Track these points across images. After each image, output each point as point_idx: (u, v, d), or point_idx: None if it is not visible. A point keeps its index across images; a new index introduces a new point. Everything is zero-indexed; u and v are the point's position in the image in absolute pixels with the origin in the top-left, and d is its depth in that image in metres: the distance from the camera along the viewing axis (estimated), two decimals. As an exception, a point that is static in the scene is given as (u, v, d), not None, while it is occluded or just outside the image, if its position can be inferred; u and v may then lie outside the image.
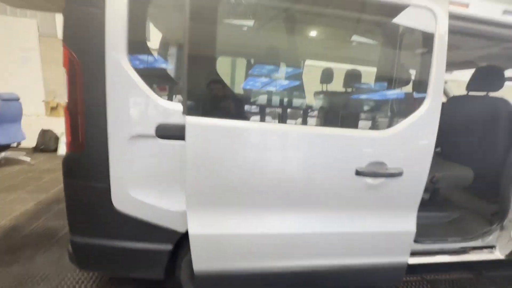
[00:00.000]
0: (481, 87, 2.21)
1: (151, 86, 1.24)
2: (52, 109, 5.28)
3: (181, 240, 1.42)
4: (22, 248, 2.11)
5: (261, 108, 1.76)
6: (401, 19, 1.38)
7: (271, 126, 1.31)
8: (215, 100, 1.33)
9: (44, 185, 3.41)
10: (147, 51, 1.37)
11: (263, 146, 1.27)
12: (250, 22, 1.52)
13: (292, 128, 1.34)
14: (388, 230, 1.49)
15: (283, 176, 1.30)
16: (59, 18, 5.17)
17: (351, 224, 1.44)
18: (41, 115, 5.24)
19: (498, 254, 2.01)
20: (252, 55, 1.97)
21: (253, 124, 1.29)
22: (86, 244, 1.39)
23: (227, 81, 1.45)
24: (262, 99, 1.92)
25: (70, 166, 1.30)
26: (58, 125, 5.00)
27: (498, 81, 2.06)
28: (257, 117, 1.70)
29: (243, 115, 1.45)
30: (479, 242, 1.98)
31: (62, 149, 4.85)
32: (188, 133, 1.17)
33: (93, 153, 1.27)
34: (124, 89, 1.21)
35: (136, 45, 1.24)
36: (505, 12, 1.43)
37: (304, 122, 1.76)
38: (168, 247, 1.42)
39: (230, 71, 1.96)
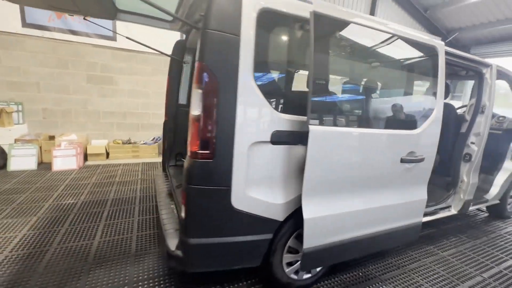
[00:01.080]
0: None
1: (269, 101, 1.48)
2: (-11, 117, 4.30)
3: (278, 229, 1.69)
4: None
5: (351, 117, 2.20)
6: (425, 56, 2.00)
7: (359, 130, 1.75)
8: (328, 112, 1.65)
9: (21, 207, 2.91)
10: (268, 71, 1.58)
11: (355, 145, 1.68)
12: (348, 55, 1.96)
13: (369, 131, 1.79)
14: (414, 199, 2.10)
15: (364, 166, 1.73)
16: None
17: (394, 198, 1.98)
18: (-28, 124, 4.21)
19: (453, 211, 2.93)
20: (346, 80, 2.40)
21: (349, 129, 1.69)
22: (202, 245, 1.51)
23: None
24: (353, 111, 2.40)
25: (197, 173, 1.41)
26: (2, 136, 4.14)
27: (447, 92, 2.98)
28: (353, 124, 2.10)
29: (343, 123, 1.84)
30: (443, 204, 2.85)
31: (16, 164, 4.06)
32: (310, 138, 1.47)
33: (220, 160, 1.42)
34: (250, 103, 1.42)
35: (260, 66, 1.46)
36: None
37: (376, 127, 2.24)
38: (270, 236, 1.66)
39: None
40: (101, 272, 1.99)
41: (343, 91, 2.35)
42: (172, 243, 1.61)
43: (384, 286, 2.06)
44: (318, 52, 1.46)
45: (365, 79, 2.36)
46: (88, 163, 4.70)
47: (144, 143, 5.37)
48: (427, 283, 2.14)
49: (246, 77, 1.38)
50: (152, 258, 2.19)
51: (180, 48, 2.89)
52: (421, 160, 1.98)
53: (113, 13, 2.46)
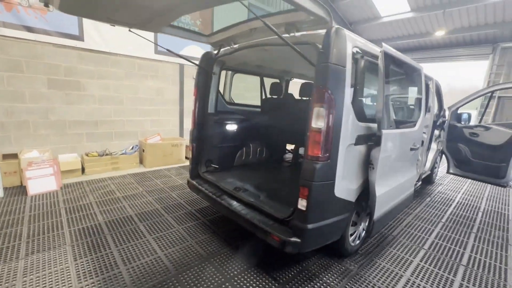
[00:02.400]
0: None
1: (355, 112, 2.00)
2: None
3: (352, 208, 2.25)
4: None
5: (395, 122, 2.82)
6: (418, 77, 2.88)
7: (399, 131, 2.50)
8: (386, 119, 2.25)
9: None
10: (359, 94, 2.09)
11: (398, 141, 2.40)
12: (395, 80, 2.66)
13: (402, 131, 2.54)
14: (411, 175, 3.00)
15: (398, 155, 2.47)
16: None
17: (405, 175, 2.82)
18: None
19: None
20: (393, 96, 3.02)
21: (396, 131, 2.43)
22: (315, 228, 1.92)
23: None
24: (395, 117, 3.06)
25: (319, 172, 1.81)
26: None
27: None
28: (396, 127, 2.70)
29: (394, 127, 2.48)
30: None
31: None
32: (383, 138, 2.07)
33: (332, 160, 1.86)
34: (347, 116, 1.91)
35: (354, 89, 1.97)
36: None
37: (402, 128, 2.94)
38: (348, 214, 2.21)
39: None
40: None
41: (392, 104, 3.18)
42: (285, 233, 1.96)
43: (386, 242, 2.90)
44: (385, 78, 2.07)
45: (398, 94, 3.15)
46: (64, 181, 4.08)
47: (123, 153, 4.95)
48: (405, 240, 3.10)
49: (347, 96, 1.87)
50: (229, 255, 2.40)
51: (208, 60, 3.02)
52: (417, 148, 2.88)
53: (163, 27, 2.48)
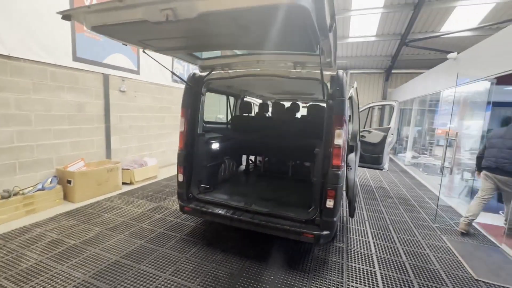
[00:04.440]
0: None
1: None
2: None
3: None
4: None
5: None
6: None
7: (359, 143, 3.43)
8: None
9: None
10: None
11: (358, 150, 3.34)
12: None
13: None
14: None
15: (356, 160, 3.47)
16: None
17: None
18: None
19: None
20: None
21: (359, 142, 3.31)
22: (336, 220, 2.53)
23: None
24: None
25: (341, 177, 2.41)
26: None
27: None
28: None
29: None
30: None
31: None
32: (356, 148, 2.92)
33: (344, 167, 2.54)
34: (347, 135, 2.65)
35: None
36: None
37: None
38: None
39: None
40: None
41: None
42: (315, 229, 2.46)
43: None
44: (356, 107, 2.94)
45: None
46: (-44, 245, 2.73)
47: (40, 189, 3.74)
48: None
49: (347, 119, 2.60)
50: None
51: (198, 81, 3.02)
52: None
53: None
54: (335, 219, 2.47)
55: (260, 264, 2.67)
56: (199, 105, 3.08)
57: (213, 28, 1.63)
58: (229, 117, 4.61)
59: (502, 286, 2.52)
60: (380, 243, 3.25)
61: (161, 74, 6.34)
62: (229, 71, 2.94)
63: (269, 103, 5.48)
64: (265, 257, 2.80)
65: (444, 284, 2.50)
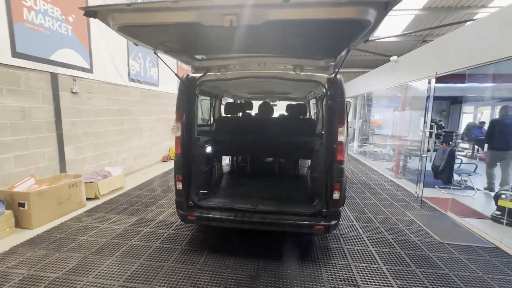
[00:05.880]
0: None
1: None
2: None
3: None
4: None
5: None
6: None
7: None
8: None
9: None
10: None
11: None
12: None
13: None
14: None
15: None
16: None
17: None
18: None
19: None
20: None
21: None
22: (341, 210, 2.78)
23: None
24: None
25: (343, 171, 2.65)
26: None
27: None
28: None
29: None
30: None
31: None
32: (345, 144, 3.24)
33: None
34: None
35: None
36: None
37: None
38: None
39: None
40: None
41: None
42: (324, 220, 2.66)
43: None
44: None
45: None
46: None
47: (-16, 219, 2.98)
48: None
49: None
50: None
51: (192, 83, 2.86)
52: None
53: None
54: (340, 209, 2.72)
55: (273, 261, 2.75)
56: (194, 108, 2.94)
57: (263, 35, 1.61)
58: (211, 118, 4.49)
59: (460, 245, 3.20)
60: (364, 225, 3.69)
61: (116, 72, 5.67)
62: (226, 72, 2.89)
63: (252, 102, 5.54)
64: (275, 254, 2.89)
65: (422, 250, 3.04)
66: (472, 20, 9.95)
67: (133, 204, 4.30)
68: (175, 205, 2.93)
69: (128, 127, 6.19)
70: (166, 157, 7.97)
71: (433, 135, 4.50)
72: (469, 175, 5.26)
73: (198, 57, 2.72)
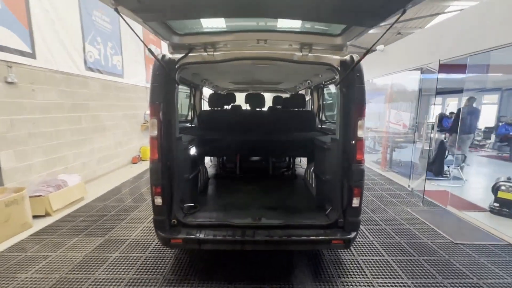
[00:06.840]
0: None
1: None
2: None
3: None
4: None
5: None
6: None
7: None
8: None
9: None
10: None
11: None
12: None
13: None
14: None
15: None
16: None
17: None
18: None
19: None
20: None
21: None
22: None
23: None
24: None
25: (364, 172, 2.19)
26: None
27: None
28: None
29: None
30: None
31: None
32: None
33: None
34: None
35: None
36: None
37: None
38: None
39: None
40: None
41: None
42: (343, 234, 2.20)
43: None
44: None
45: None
46: None
47: None
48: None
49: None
50: None
51: (170, 66, 2.18)
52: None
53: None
54: (360, 218, 2.28)
55: (284, 284, 2.24)
56: (174, 99, 2.26)
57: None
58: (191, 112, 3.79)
59: (474, 244, 2.97)
60: (370, 228, 3.34)
61: (69, 59, 4.65)
62: (214, 53, 2.25)
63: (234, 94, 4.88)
64: (281, 274, 2.38)
65: (440, 255, 2.74)
66: (444, 13, 10.29)
67: (96, 221, 3.49)
68: (153, 226, 2.26)
69: (87, 126, 5.20)
70: (137, 158, 7.03)
71: (435, 127, 4.31)
72: (460, 166, 5.23)
73: (176, 27, 2.04)
